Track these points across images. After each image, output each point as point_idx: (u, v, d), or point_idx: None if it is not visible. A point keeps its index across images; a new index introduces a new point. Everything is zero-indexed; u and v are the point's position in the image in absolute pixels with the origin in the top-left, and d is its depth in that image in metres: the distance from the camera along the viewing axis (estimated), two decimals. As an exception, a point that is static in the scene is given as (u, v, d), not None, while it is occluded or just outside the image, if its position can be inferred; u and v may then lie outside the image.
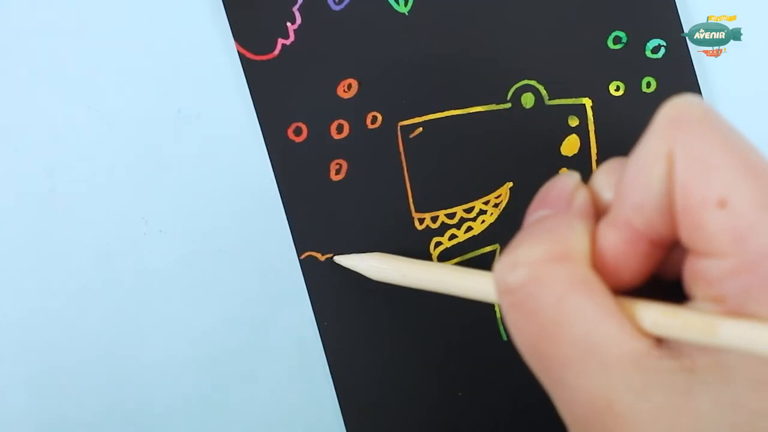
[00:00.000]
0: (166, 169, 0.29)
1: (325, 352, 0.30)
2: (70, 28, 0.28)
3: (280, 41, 0.29)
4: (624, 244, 0.20)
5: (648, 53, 0.32)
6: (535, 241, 0.20)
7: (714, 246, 0.19)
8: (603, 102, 0.31)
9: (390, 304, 0.30)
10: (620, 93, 0.32)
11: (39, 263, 0.28)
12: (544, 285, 0.20)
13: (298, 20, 0.29)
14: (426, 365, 0.31)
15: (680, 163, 0.19)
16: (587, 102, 0.31)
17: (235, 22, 0.29)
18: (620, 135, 0.31)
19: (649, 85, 0.32)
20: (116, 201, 0.29)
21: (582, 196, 0.22)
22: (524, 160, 0.31)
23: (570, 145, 0.31)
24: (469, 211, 0.31)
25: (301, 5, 0.29)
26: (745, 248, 0.18)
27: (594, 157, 0.31)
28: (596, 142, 0.31)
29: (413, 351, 0.31)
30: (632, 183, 0.20)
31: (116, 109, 0.29)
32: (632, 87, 0.32)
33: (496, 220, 0.31)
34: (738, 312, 0.18)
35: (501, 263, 0.21)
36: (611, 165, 0.22)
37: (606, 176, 0.22)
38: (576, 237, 0.20)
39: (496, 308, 0.31)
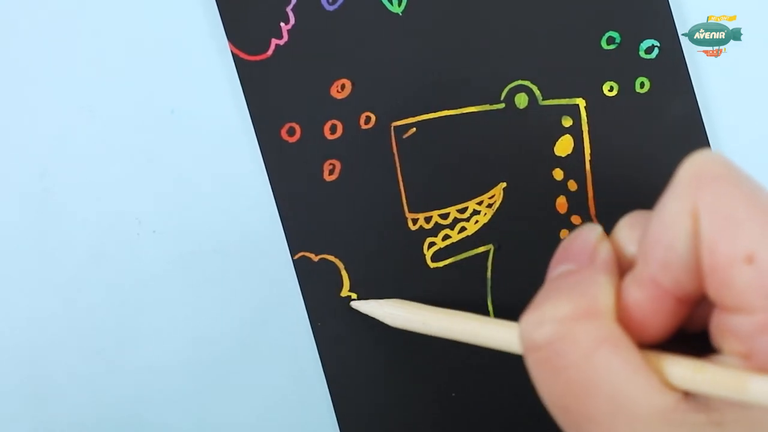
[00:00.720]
0: (159, 170, 0.29)
1: (319, 352, 0.30)
2: (63, 28, 0.28)
3: (274, 41, 0.29)
4: (650, 301, 0.20)
5: (642, 53, 0.32)
6: (560, 297, 0.20)
7: (743, 302, 0.19)
8: (596, 102, 0.31)
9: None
10: (614, 93, 0.32)
11: (32, 264, 0.28)
12: (571, 342, 0.20)
13: (292, 20, 0.29)
14: (420, 366, 0.31)
15: (705, 220, 0.19)
16: (581, 102, 0.31)
17: (228, 22, 0.29)
18: (614, 135, 0.32)
19: (642, 85, 0.32)
20: (110, 202, 0.29)
21: (605, 250, 0.22)
22: (518, 160, 0.31)
23: (563, 146, 0.31)
24: (462, 211, 0.31)
25: (294, 5, 0.29)
26: None
27: (588, 157, 0.31)
28: (590, 143, 0.31)
29: (407, 351, 0.31)
30: (657, 241, 0.20)
31: (110, 109, 0.29)
32: (626, 87, 0.32)
33: (490, 220, 0.31)
34: (767, 368, 0.18)
35: (527, 319, 0.21)
36: (633, 218, 0.22)
37: (629, 230, 0.22)
38: (602, 293, 0.20)
39: (490, 310, 0.31)
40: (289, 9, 0.29)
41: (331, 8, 0.29)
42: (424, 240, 0.30)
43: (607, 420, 0.19)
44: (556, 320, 0.20)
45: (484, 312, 0.31)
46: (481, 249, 0.31)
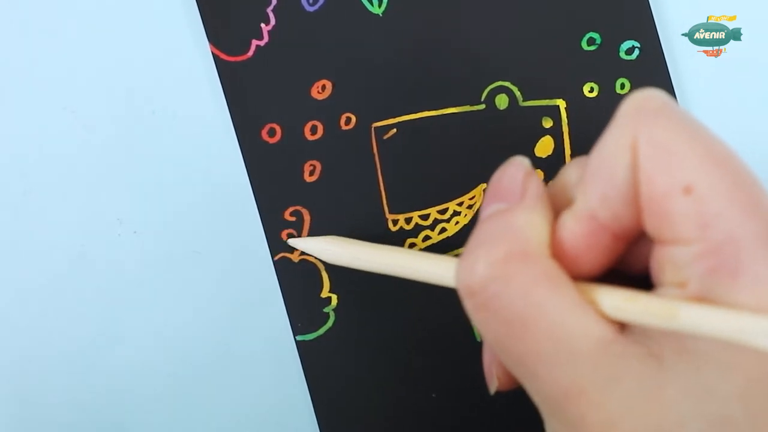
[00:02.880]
0: (140, 170, 0.29)
1: (299, 352, 0.30)
2: (44, 29, 0.28)
3: (254, 42, 0.29)
4: (586, 236, 0.20)
5: (622, 54, 0.32)
6: (493, 240, 0.20)
7: (679, 233, 0.19)
8: (577, 103, 0.31)
9: (364, 306, 0.30)
10: (594, 94, 0.32)
11: (13, 265, 0.28)
12: (506, 285, 0.20)
13: (272, 21, 0.29)
14: (400, 366, 0.31)
15: (644, 152, 0.19)
16: (561, 103, 0.31)
17: (209, 23, 0.29)
18: (594, 136, 0.31)
19: (623, 86, 0.32)
20: (91, 202, 0.29)
21: (534, 184, 0.21)
22: (498, 161, 0.30)
23: (544, 147, 0.31)
24: (443, 212, 0.31)
25: (275, 6, 0.29)
26: (710, 234, 0.18)
27: (568, 158, 0.31)
28: (570, 144, 0.32)
29: (387, 352, 0.31)
30: (596, 174, 0.20)
31: (91, 110, 0.29)
32: (606, 88, 0.32)
33: (470, 221, 0.31)
34: (703, 296, 0.18)
35: (462, 265, 0.21)
36: (581, 160, 0.22)
37: (575, 170, 0.22)
38: (533, 231, 0.20)
39: (470, 309, 0.31)
40: (269, 10, 0.29)
41: (311, 9, 0.29)
42: (405, 241, 0.31)
43: (548, 357, 0.19)
44: (489, 264, 0.20)
45: (464, 312, 0.31)
46: (462, 250, 0.31)
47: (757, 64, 0.33)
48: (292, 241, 0.29)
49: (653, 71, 0.32)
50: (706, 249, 0.18)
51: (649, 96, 0.20)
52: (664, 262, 0.19)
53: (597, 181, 0.20)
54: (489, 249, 0.20)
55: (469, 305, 0.21)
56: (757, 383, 0.18)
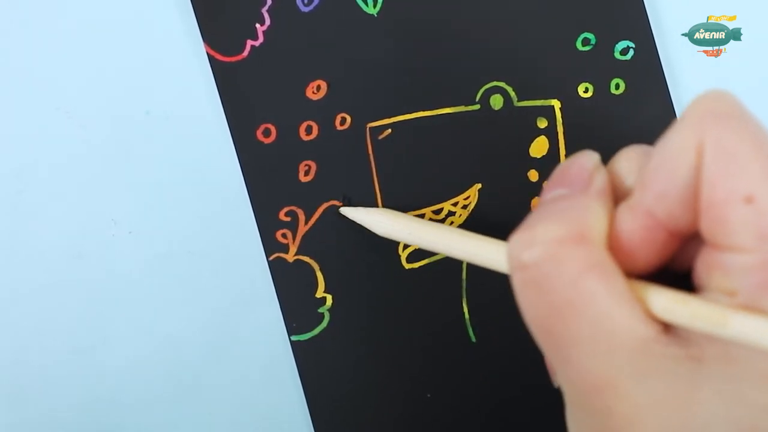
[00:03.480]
0: (135, 171, 0.29)
1: (294, 352, 0.30)
2: (39, 29, 0.28)
3: (249, 42, 0.29)
4: (642, 231, 0.20)
5: (617, 55, 0.32)
6: (552, 219, 0.20)
7: (736, 241, 0.19)
8: (572, 103, 0.31)
9: (359, 306, 0.30)
10: (589, 94, 0.32)
11: (8, 265, 0.28)
12: (559, 265, 0.19)
13: (267, 21, 0.29)
14: (395, 367, 0.31)
15: (710, 156, 0.19)
16: (556, 103, 0.31)
17: (204, 23, 0.29)
18: (589, 136, 0.32)
19: (617, 86, 0.32)
20: (85, 202, 0.29)
21: (601, 177, 0.21)
22: (493, 161, 0.31)
23: (539, 147, 0.31)
24: (437, 212, 0.31)
25: (270, 6, 0.29)
26: (767, 246, 0.18)
27: (563, 159, 0.32)
28: (565, 144, 0.32)
29: (382, 353, 0.31)
30: (658, 172, 0.20)
31: (86, 110, 0.29)
32: (601, 88, 0.32)
33: (465, 221, 0.31)
34: (750, 306, 0.18)
35: (516, 239, 0.20)
36: (632, 151, 0.22)
37: (626, 162, 0.22)
38: (594, 219, 0.20)
39: (465, 311, 0.31)
40: (264, 10, 0.29)
41: (306, 9, 0.29)
42: (400, 241, 0.31)
43: (587, 345, 0.19)
44: (545, 242, 0.20)
45: (458, 313, 0.31)
46: (457, 250, 0.31)
47: (757, 64, 0.33)
48: (344, 210, 0.30)
49: (648, 71, 0.32)
50: (761, 261, 0.18)
51: (719, 98, 0.20)
52: (713, 266, 0.19)
53: (658, 178, 0.20)
54: (548, 226, 0.20)
55: (517, 279, 0.20)
56: None
